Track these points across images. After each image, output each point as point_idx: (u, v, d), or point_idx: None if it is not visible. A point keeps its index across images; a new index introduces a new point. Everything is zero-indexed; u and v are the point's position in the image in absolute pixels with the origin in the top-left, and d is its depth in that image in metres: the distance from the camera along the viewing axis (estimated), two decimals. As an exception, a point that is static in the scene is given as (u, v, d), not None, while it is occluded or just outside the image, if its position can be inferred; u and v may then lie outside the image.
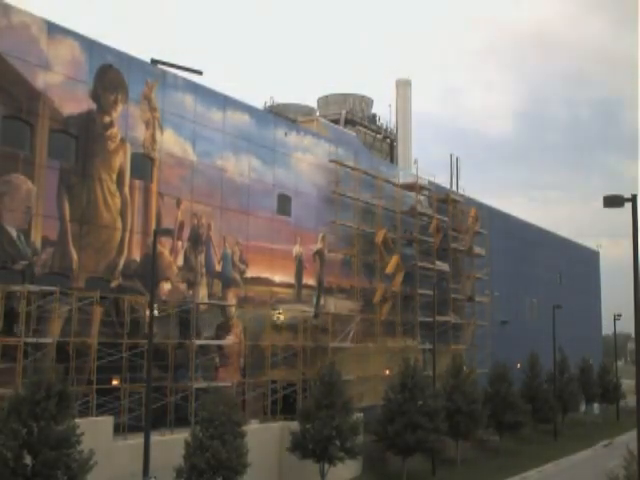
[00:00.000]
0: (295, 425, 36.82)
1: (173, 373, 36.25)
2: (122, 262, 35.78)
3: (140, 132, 37.40)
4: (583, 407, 75.95)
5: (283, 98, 65.86)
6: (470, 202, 67.13)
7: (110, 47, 36.43)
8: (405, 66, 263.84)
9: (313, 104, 69.92)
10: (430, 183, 61.37)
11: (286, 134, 47.87)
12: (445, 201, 62.64)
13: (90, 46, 35.06)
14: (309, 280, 48.40)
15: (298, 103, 67.04)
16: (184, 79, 40.76)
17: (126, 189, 36.38)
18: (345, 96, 70.47)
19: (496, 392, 53.64)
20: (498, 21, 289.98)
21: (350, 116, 66.14)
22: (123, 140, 36.35)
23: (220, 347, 40.79)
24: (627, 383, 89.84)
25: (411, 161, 66.02)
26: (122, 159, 36.25)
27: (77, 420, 25.40)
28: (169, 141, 38.96)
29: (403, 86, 68.03)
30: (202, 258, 40.38)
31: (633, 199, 26.40)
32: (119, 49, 37.00)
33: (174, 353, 36.36)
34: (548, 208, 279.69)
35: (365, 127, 67.57)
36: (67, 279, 32.93)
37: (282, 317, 44.68)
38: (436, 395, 44.00)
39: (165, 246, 38.06)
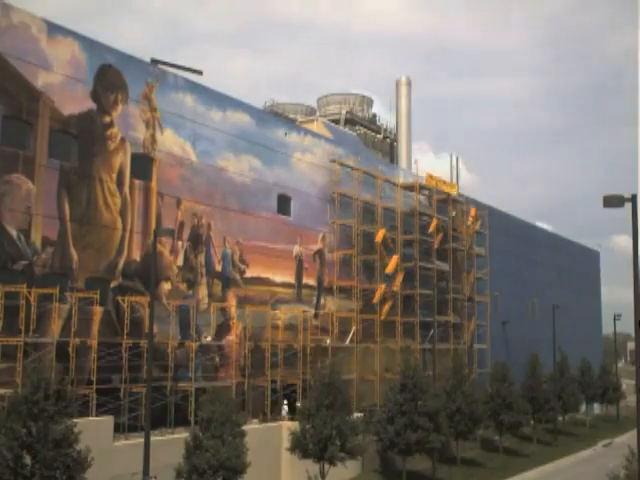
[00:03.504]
0: (295, 425, 36.79)
1: (173, 373, 36.25)
2: (122, 262, 35.79)
3: (140, 132, 37.41)
4: (583, 407, 75.92)
5: (283, 98, 65.95)
6: (470, 202, 67.13)
7: (110, 47, 36.45)
8: (405, 66, 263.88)
9: (313, 104, 69.99)
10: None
11: (286, 134, 47.88)
12: (445, 201, 62.64)
13: (90, 46, 35.06)
14: (309, 280, 48.41)
15: (298, 103, 67.09)
16: (184, 79, 40.78)
17: (126, 189, 36.38)
18: (345, 96, 70.56)
19: (496, 392, 53.61)
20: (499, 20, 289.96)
21: (350, 116, 66.19)
22: (123, 140, 36.36)
23: (220, 347, 40.79)
24: (627, 383, 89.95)
25: (411, 161, 66.09)
26: (122, 159, 36.25)
27: (77, 420, 25.43)
28: (169, 141, 38.97)
29: (403, 86, 68.02)
30: (202, 258, 40.39)
31: (633, 199, 26.38)
32: (119, 49, 37.04)
33: (174, 353, 36.36)
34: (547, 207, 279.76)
35: (365, 127, 67.61)
36: (67, 279, 32.93)
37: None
38: (436, 395, 43.95)
39: (165, 246, 38.07)
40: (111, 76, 35.87)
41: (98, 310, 33.83)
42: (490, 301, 66.89)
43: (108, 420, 31.16)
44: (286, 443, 36.44)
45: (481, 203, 70.06)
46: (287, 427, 37.80)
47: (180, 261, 39.12)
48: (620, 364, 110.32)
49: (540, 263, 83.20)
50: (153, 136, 38.04)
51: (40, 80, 32.65)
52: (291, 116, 60.57)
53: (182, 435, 30.96)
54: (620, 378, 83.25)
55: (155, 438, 30.66)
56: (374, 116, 71.57)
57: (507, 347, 65.64)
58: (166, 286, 38.08)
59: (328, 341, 46.73)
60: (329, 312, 48.58)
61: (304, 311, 46.78)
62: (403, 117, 67.70)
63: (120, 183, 36.09)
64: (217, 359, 40.40)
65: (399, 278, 54.74)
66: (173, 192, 38.99)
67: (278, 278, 45.67)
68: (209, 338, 39.63)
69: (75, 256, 33.45)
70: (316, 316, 48.39)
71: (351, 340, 49.90)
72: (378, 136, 69.21)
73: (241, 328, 42.12)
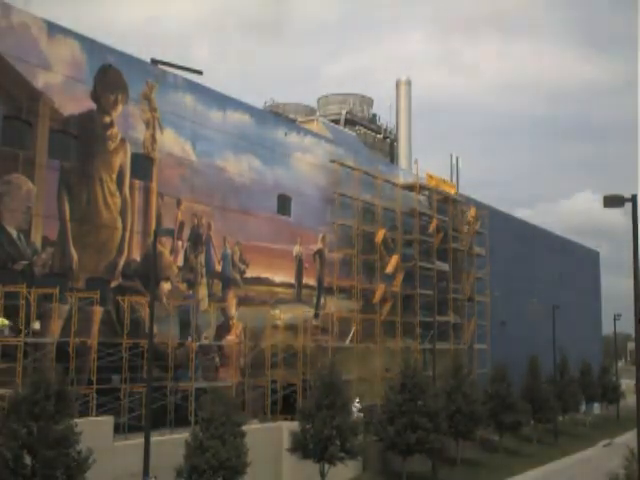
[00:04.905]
0: (295, 425, 36.80)
1: (173, 373, 36.26)
2: (122, 262, 35.80)
3: (140, 132, 37.42)
4: (583, 407, 75.94)
5: (283, 98, 65.89)
6: (470, 202, 67.17)
7: (110, 47, 36.47)
8: (405, 66, 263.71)
9: (313, 104, 69.93)
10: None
11: (286, 134, 47.89)
12: (445, 201, 62.66)
13: (90, 46, 35.08)
14: (309, 280, 48.41)
15: (298, 103, 67.03)
16: (184, 79, 40.80)
17: (126, 189, 36.40)
18: (345, 96, 70.45)
19: (496, 392, 53.63)
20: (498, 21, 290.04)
21: (350, 116, 66.12)
22: (123, 140, 36.37)
23: (220, 347, 40.80)
24: (627, 383, 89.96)
25: (411, 161, 66.07)
26: (122, 159, 36.27)
27: (77, 420, 25.41)
28: (169, 141, 38.98)
29: (403, 86, 67.96)
30: (202, 258, 40.40)
31: (633, 199, 26.40)
32: (119, 49, 37.06)
33: (174, 353, 36.37)
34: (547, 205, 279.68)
35: (365, 127, 67.54)
36: (67, 279, 32.94)
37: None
38: (436, 395, 43.97)
39: (165, 246, 38.08)
40: (111, 76, 35.87)
41: (98, 310, 33.83)
42: (490, 301, 66.90)
43: (108, 420, 31.16)
44: (286, 443, 36.47)
45: (481, 203, 70.09)
46: (287, 427, 37.83)
47: (180, 261, 39.14)
48: (620, 364, 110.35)
49: (540, 263, 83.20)
50: (153, 136, 38.06)
51: (40, 80, 32.65)
52: (291, 116, 60.52)
53: (182, 435, 30.94)
54: (620, 378, 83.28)
55: (155, 438, 30.63)
56: (374, 116, 71.49)
57: (507, 347, 65.61)
58: (166, 286, 38.09)
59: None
60: (329, 312, 48.59)
61: (304, 311, 46.85)
62: (403, 117, 67.65)
63: (120, 183, 36.10)
64: (217, 359, 40.41)
65: (399, 278, 54.75)
66: (173, 192, 39.00)
67: (278, 278, 45.68)
68: (207, 341, 39.61)
69: (75, 256, 33.45)
70: (316, 316, 48.40)
71: (351, 340, 49.91)
72: (378, 136, 69.16)
73: (241, 328, 42.15)
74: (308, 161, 49.26)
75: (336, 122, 63.57)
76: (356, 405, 41.14)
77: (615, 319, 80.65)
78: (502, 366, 55.72)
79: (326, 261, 49.75)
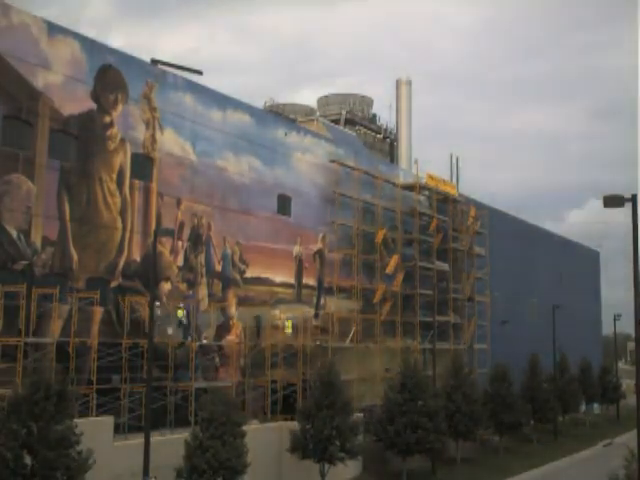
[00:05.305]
0: (295, 425, 36.81)
1: (173, 373, 36.26)
2: (122, 262, 35.80)
3: (140, 132, 37.42)
4: (583, 407, 75.95)
5: (283, 98, 65.98)
6: (470, 202, 67.15)
7: (110, 47, 36.52)
8: (405, 66, 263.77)
9: (313, 104, 70.00)
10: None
11: (286, 134, 47.90)
12: (445, 201, 62.66)
13: (90, 46, 35.09)
14: (309, 280, 48.41)
15: (298, 103, 67.13)
16: (184, 79, 40.80)
17: (126, 189, 36.39)
18: (345, 96, 70.55)
19: (496, 392, 53.62)
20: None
21: (350, 116, 66.18)
22: (123, 140, 36.37)
23: (220, 347, 40.81)
24: (627, 383, 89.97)
25: (411, 161, 66.11)
26: (122, 159, 36.27)
27: (77, 420, 25.42)
28: (169, 141, 38.98)
29: (403, 86, 67.97)
30: (202, 258, 40.40)
31: (633, 199, 26.42)
32: (119, 49, 37.11)
33: (174, 353, 36.37)
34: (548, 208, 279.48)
35: (365, 127, 67.60)
36: (67, 279, 32.94)
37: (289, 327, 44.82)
38: (436, 395, 43.99)
39: (165, 246, 38.08)
40: (111, 76, 35.88)
41: (98, 310, 33.84)
42: (490, 301, 66.88)
43: (108, 420, 31.17)
44: (286, 443, 36.47)
45: (481, 203, 70.05)
46: (287, 427, 37.83)
47: (180, 261, 39.14)
48: (620, 364, 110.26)
49: (540, 263, 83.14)
50: (153, 136, 38.06)
51: (40, 80, 32.65)
52: (291, 116, 60.58)
53: (182, 435, 30.94)
54: (620, 378, 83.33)
55: (155, 438, 30.64)
56: (374, 116, 71.54)
57: (507, 347, 65.59)
58: (166, 286, 38.09)
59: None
60: (329, 312, 48.59)
61: (304, 311, 46.85)
62: (403, 117, 67.63)
63: (120, 183, 36.10)
64: (217, 359, 40.42)
65: (399, 278, 54.76)
66: (173, 192, 39.00)
67: (278, 278, 45.68)
68: (207, 341, 39.62)
69: (75, 256, 33.46)
70: (316, 316, 48.41)
71: (351, 340, 49.91)
72: (378, 136, 69.20)
73: (241, 328, 42.16)
74: (308, 161, 49.27)
75: (336, 122, 63.62)
76: None
77: (615, 319, 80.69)
78: (502, 366, 55.69)
79: (326, 261, 49.75)
